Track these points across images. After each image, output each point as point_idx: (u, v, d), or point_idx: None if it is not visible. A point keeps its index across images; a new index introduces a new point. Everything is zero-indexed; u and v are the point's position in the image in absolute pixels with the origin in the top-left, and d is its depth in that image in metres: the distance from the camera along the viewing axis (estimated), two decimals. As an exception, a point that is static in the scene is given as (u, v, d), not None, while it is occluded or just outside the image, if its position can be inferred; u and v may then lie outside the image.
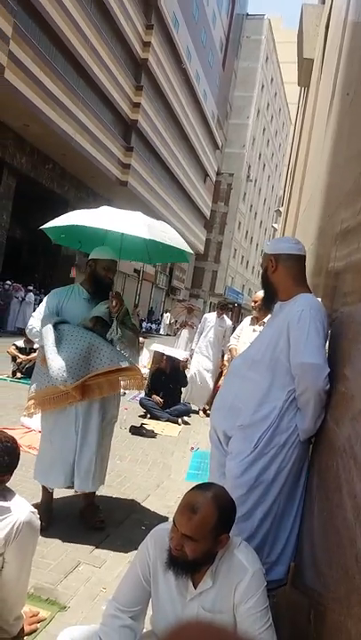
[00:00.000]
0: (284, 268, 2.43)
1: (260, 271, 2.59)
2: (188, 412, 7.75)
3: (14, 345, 9.02)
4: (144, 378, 10.68)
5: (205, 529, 1.65)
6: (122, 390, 9.12)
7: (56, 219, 3.53)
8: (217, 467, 2.56)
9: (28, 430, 5.44)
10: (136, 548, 2.02)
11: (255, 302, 6.11)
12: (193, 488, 1.78)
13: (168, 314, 31.19)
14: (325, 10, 7.54)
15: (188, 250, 3.70)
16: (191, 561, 1.67)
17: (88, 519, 3.56)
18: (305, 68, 8.88)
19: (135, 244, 3.78)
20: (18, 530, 2.02)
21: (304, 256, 2.50)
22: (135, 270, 33.09)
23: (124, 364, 3.42)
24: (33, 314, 3.67)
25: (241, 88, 55.06)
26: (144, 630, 1.98)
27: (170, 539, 1.73)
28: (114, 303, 3.43)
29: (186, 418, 7.63)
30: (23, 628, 2.25)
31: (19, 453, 2.16)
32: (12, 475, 2.14)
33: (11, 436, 2.14)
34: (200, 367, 8.36)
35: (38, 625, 2.32)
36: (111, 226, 3.42)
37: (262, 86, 58.74)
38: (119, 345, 3.48)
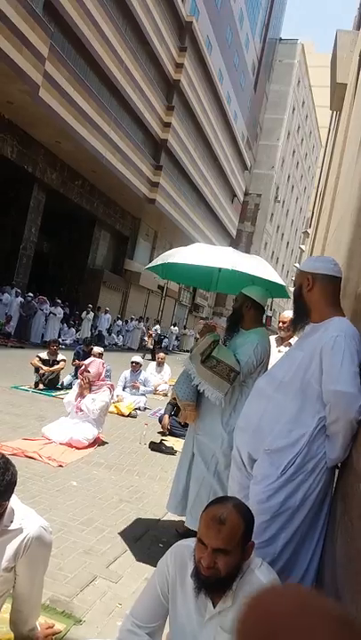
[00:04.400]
0: (321, 287, 2.38)
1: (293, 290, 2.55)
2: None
3: (38, 357, 9.11)
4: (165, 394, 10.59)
5: (236, 538, 1.66)
6: (142, 405, 9.06)
7: (163, 256, 3.89)
8: (238, 488, 2.52)
9: (49, 441, 5.46)
10: (153, 565, 2.01)
11: (283, 323, 6.06)
12: (210, 504, 1.79)
13: (175, 327, 31.94)
14: (360, 36, 7.59)
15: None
16: (224, 577, 1.66)
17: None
18: (338, 92, 8.92)
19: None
20: (27, 545, 2.05)
21: (340, 278, 2.46)
22: (159, 287, 33.03)
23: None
24: None
25: (272, 110, 55.47)
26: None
27: (196, 561, 1.70)
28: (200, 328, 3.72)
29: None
30: (38, 639, 2.25)
31: (11, 480, 2.00)
32: (9, 498, 2.03)
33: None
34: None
35: (53, 637, 2.31)
36: (248, 270, 3.63)
37: (293, 109, 59.08)
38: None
